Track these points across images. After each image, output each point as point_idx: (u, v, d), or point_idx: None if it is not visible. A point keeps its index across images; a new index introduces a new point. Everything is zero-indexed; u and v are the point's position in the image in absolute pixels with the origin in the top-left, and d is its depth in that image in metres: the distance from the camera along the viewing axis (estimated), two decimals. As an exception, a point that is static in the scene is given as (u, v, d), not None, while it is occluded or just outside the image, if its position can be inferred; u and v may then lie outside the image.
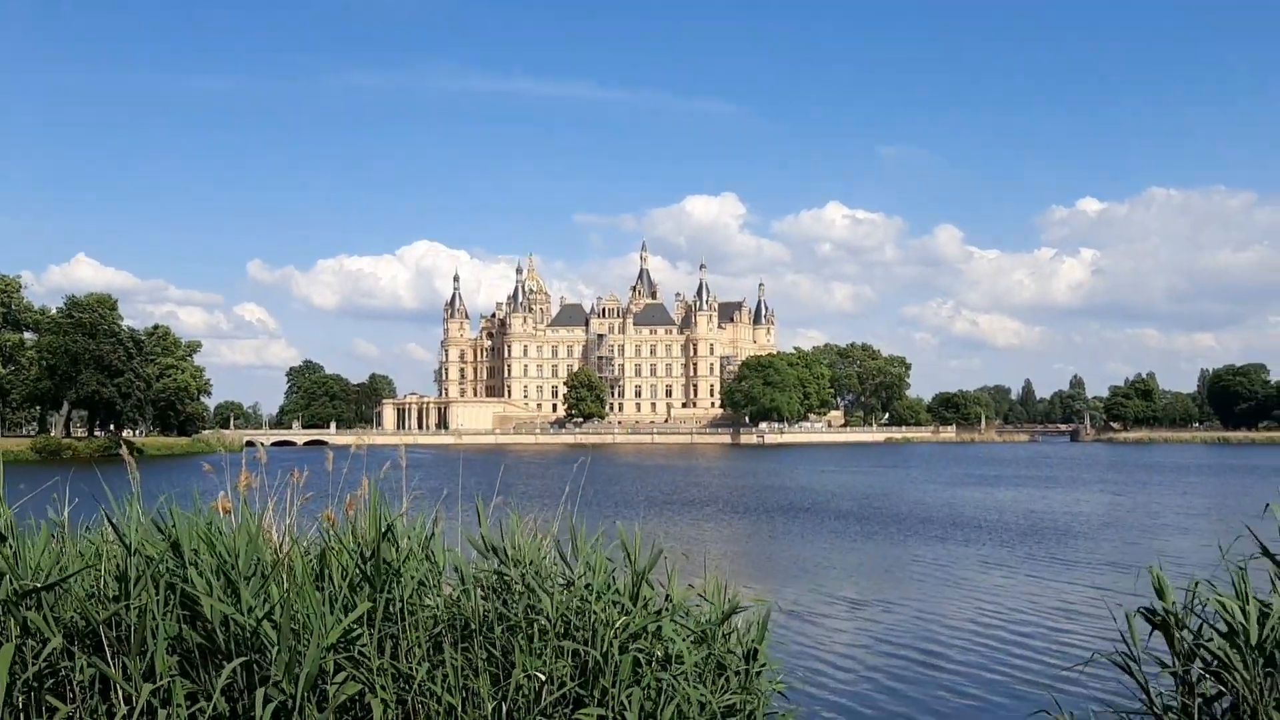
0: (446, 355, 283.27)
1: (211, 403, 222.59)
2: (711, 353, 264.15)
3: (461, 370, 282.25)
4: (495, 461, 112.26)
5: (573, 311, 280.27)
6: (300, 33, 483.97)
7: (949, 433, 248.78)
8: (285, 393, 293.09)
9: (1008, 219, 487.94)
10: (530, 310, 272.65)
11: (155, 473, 67.47)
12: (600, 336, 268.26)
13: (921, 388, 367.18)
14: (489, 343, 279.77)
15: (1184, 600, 7.38)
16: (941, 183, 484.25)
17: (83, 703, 6.61)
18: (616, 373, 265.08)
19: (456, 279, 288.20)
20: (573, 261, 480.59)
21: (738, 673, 8.13)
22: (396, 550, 7.48)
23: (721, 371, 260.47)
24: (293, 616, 6.61)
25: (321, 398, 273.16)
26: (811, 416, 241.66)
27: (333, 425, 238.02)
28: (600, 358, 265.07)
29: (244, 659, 6.59)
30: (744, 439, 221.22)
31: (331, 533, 8.13)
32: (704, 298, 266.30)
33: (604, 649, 7.22)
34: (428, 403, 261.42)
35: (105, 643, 6.71)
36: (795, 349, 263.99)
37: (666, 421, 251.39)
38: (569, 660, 7.32)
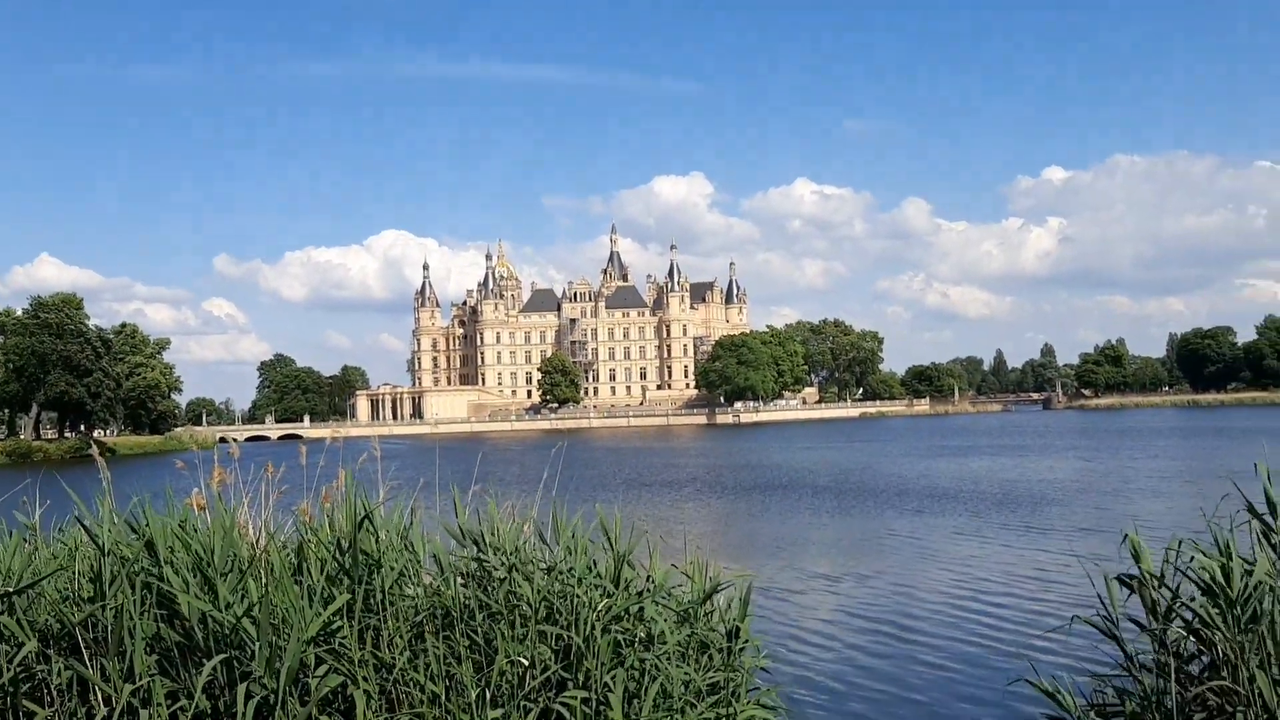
0: (419, 344, 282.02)
1: (183, 400, 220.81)
2: (685, 334, 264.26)
3: (434, 359, 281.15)
4: (471, 450, 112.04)
5: (544, 296, 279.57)
6: (255, 22, 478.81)
7: (923, 405, 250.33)
8: (257, 387, 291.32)
9: (974, 190, 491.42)
10: (501, 297, 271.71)
11: (128, 472, 66.93)
12: (573, 321, 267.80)
13: (895, 361, 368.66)
14: (461, 331, 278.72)
15: (1160, 562, 7.46)
16: (908, 156, 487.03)
17: (61, 705, 6.55)
18: (590, 357, 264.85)
19: (426, 267, 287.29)
20: (542, 246, 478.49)
21: (720, 650, 8.17)
22: (375, 541, 7.45)
23: (695, 352, 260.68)
24: (271, 611, 6.57)
25: (294, 391, 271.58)
26: (786, 394, 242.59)
27: (306, 418, 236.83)
28: (573, 342, 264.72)
29: (224, 656, 6.55)
30: (720, 419, 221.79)
31: (308, 526, 8.09)
32: (675, 279, 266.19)
33: (586, 632, 7.23)
34: (401, 393, 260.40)
35: (82, 645, 6.65)
36: (768, 327, 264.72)
37: (642, 404, 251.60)
38: (552, 644, 7.33)
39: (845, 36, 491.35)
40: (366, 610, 7.13)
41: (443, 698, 6.86)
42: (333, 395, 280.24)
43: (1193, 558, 7.24)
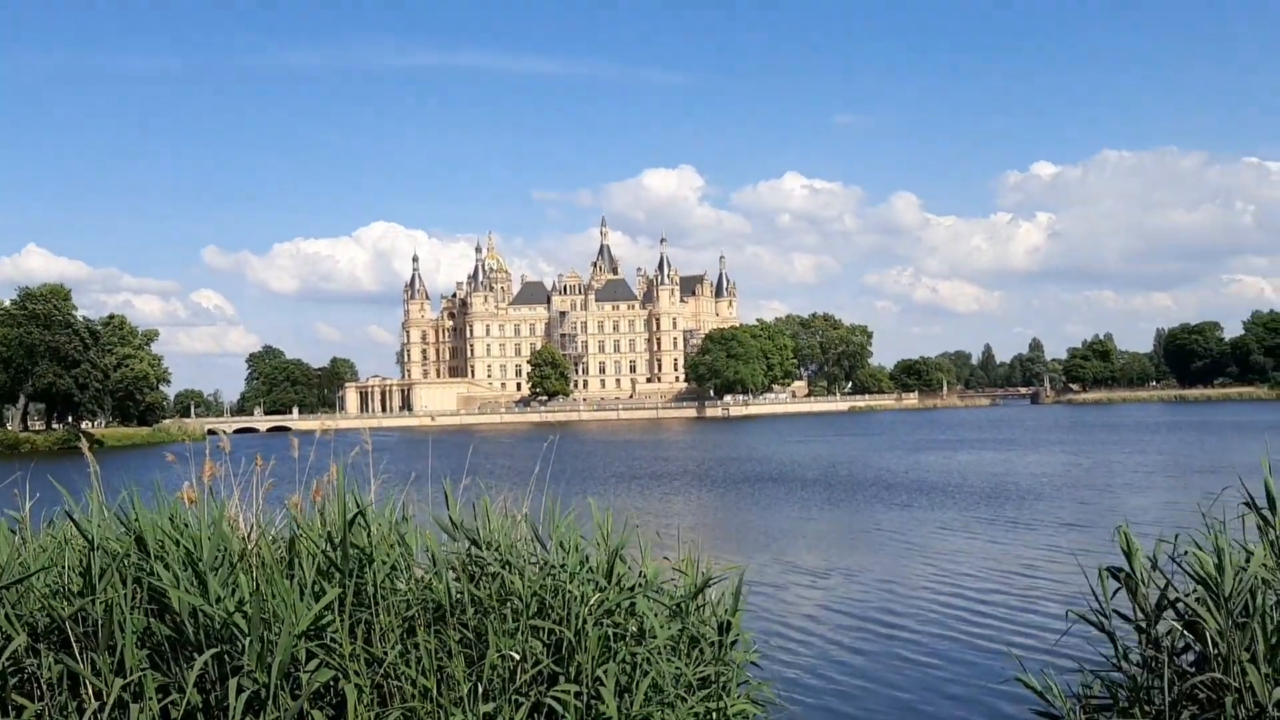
0: (408, 337, 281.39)
1: (171, 391, 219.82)
2: (674, 327, 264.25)
3: (424, 351, 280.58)
4: (461, 442, 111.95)
5: (534, 289, 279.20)
6: (244, 12, 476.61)
7: (911, 399, 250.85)
8: (246, 379, 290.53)
9: (964, 185, 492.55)
10: (491, 289, 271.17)
11: (117, 464, 66.68)
12: (563, 314, 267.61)
13: (884, 356, 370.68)
14: (451, 323, 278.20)
15: (1150, 556, 7.49)
16: (897, 151, 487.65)
17: (51, 699, 6.53)
18: (580, 349, 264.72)
19: (415, 260, 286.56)
20: (532, 239, 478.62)
21: (711, 644, 8.18)
22: (367, 535, 7.43)
23: (685, 345, 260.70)
24: (262, 606, 6.56)
25: (283, 383, 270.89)
26: (775, 388, 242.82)
27: (295, 411, 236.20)
28: (563, 335, 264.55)
29: (215, 650, 6.53)
30: (709, 412, 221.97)
31: (299, 519, 8.07)
32: (665, 272, 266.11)
33: (577, 626, 7.24)
34: (391, 385, 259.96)
35: (73, 639, 6.63)
36: (758, 321, 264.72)
37: (631, 397, 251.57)
38: (544, 639, 7.33)
39: (835, 30, 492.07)
40: (358, 604, 7.13)
41: (434, 692, 6.86)
42: (322, 387, 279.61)
43: (1186, 551, 7.27)
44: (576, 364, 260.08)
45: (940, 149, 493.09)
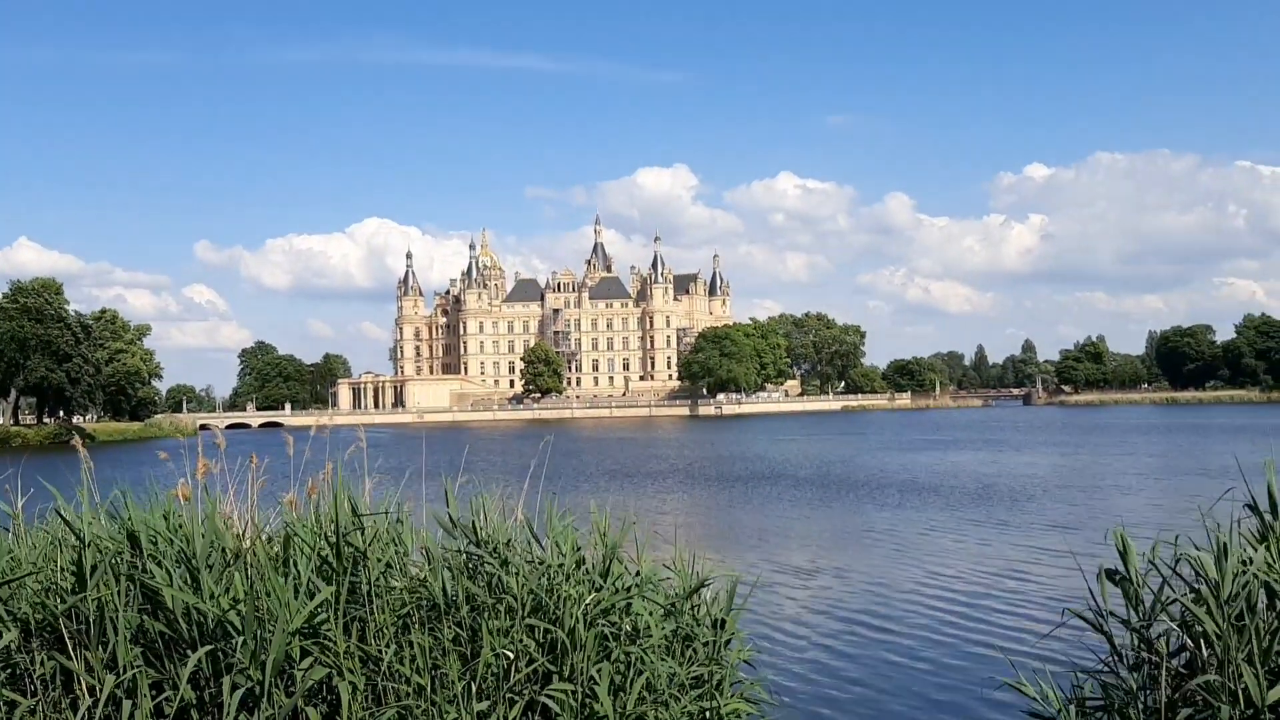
0: (401, 333, 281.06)
1: (163, 386, 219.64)
2: (668, 325, 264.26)
3: (417, 348, 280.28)
4: (455, 439, 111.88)
5: (528, 286, 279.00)
6: (238, 7, 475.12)
7: (904, 400, 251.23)
8: (238, 375, 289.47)
9: (957, 186, 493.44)
10: (485, 286, 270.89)
11: (109, 459, 66.50)
12: (556, 311, 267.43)
13: (876, 355, 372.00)
14: (444, 320, 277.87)
15: (1145, 558, 7.50)
16: (891, 151, 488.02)
17: (44, 696, 6.51)
18: (573, 347, 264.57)
19: (409, 256, 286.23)
20: (525, 236, 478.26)
21: (705, 644, 8.19)
22: (362, 533, 7.43)
23: (678, 344, 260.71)
24: (256, 603, 6.55)
25: (275, 379, 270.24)
26: (768, 386, 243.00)
27: (288, 407, 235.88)
28: (557, 332, 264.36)
29: (209, 647, 6.52)
30: (702, 410, 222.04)
31: (295, 517, 8.05)
32: (659, 270, 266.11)
33: (572, 625, 7.24)
34: (383, 382, 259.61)
35: (67, 635, 6.61)
36: (751, 319, 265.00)
37: (624, 395, 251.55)
38: (539, 637, 7.33)
39: (829, 30, 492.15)
40: (353, 602, 7.12)
41: (428, 690, 6.86)
42: (314, 383, 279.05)
43: (1182, 553, 7.28)
44: (570, 362, 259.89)
45: (933, 150, 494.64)
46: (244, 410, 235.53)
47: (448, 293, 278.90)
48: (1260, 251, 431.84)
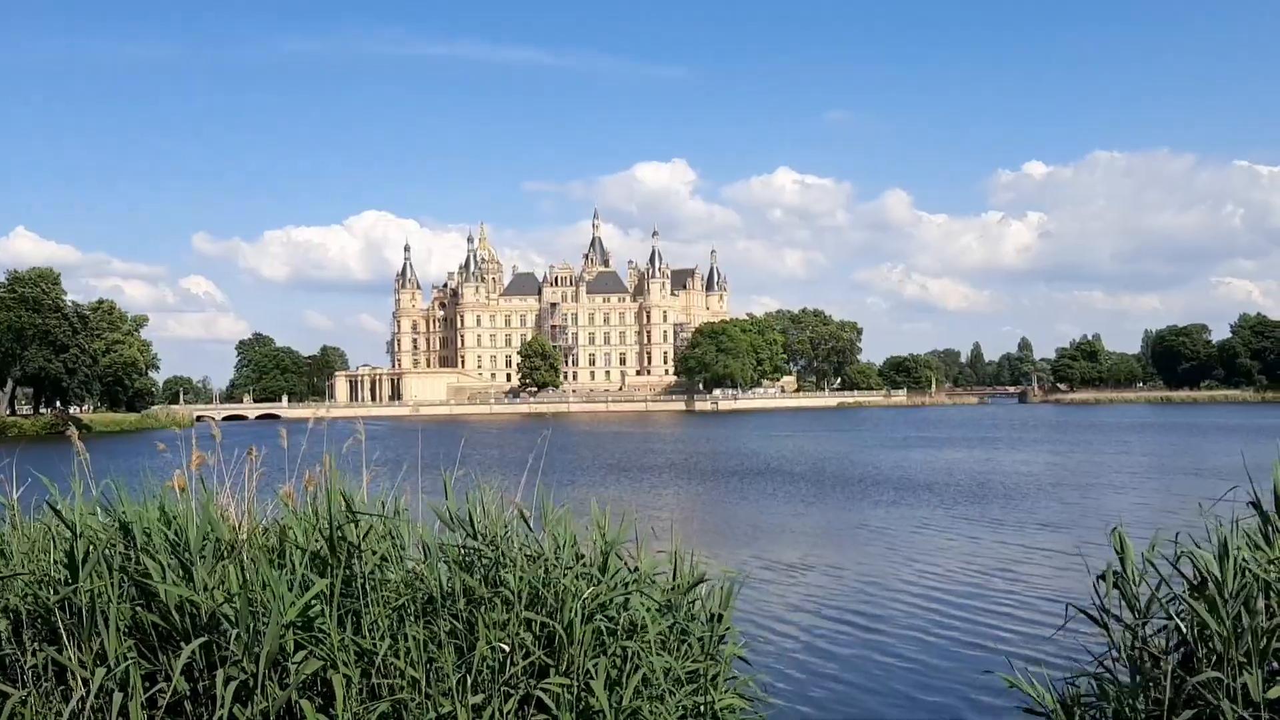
0: (398, 326, 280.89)
1: (160, 378, 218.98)
2: (665, 320, 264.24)
3: (414, 341, 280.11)
4: (451, 432, 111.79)
5: (525, 280, 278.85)
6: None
7: (900, 396, 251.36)
8: (235, 366, 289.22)
9: (955, 183, 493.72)
10: (482, 280, 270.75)
11: (105, 450, 66.38)
12: (553, 305, 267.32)
13: (873, 352, 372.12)
14: (441, 313, 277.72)
15: (1142, 556, 7.49)
16: (889, 147, 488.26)
17: (36, 688, 6.49)
18: (570, 341, 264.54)
19: (407, 249, 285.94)
20: (523, 230, 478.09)
21: (700, 640, 8.19)
22: (357, 525, 7.41)
23: (675, 339, 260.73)
24: (250, 595, 6.53)
25: (272, 371, 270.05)
26: (765, 382, 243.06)
27: (284, 398, 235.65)
28: (554, 326, 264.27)
29: (203, 640, 6.50)
30: (698, 406, 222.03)
31: (291, 509, 8.04)
32: (657, 265, 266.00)
33: (568, 619, 7.23)
34: (380, 374, 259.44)
35: (61, 627, 6.59)
36: (748, 315, 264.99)
37: (621, 389, 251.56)
38: (535, 631, 7.32)
39: (829, 27, 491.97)
40: (348, 595, 7.10)
41: (423, 683, 6.85)
42: (311, 375, 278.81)
43: (1181, 551, 7.28)
44: (567, 356, 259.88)
45: (932, 147, 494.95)
46: (241, 402, 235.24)
47: (445, 286, 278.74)
48: (1258, 251, 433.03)
